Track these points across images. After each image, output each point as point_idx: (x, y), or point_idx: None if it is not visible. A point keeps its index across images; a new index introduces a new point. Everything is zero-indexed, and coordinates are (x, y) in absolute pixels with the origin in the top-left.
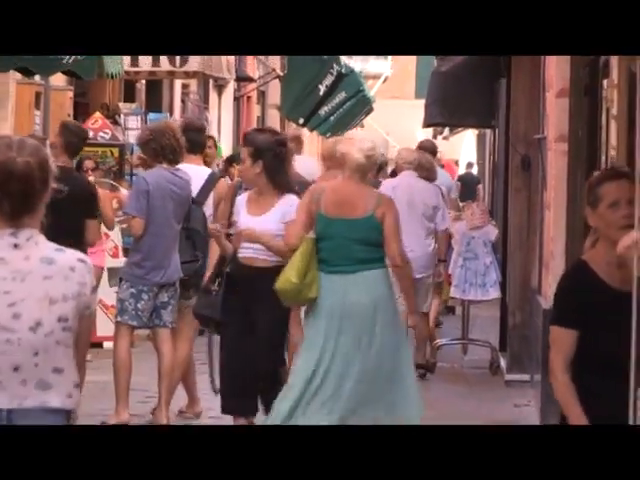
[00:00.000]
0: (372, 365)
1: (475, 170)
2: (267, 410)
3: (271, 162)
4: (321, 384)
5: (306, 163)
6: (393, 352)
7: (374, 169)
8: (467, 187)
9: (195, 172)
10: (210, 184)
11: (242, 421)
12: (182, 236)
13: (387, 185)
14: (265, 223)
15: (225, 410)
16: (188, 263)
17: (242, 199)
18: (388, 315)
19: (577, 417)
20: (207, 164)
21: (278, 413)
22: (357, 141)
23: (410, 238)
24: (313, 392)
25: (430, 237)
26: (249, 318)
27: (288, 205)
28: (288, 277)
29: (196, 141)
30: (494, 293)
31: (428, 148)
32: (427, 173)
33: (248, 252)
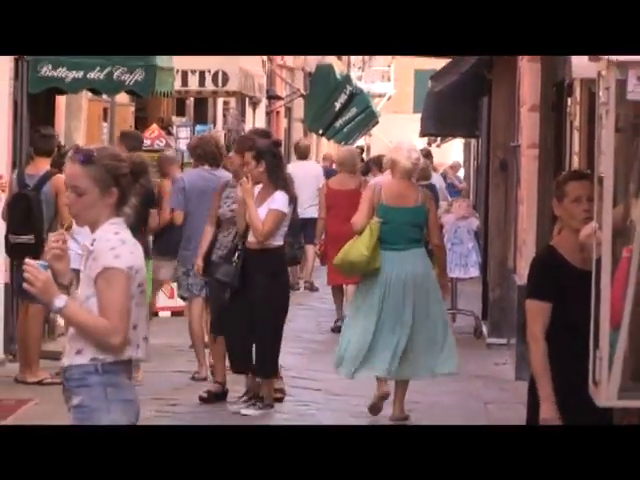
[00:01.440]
0: (418, 324)
1: (462, 172)
2: (260, 370)
3: (271, 161)
4: (377, 336)
5: (311, 168)
6: (437, 314)
7: (417, 171)
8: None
9: None
10: None
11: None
12: None
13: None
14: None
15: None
16: None
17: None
18: (433, 282)
19: (546, 387)
20: None
21: (342, 360)
22: (405, 150)
23: None
24: (370, 337)
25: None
26: (253, 290)
27: (273, 199)
28: (361, 251)
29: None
30: (474, 272)
31: (425, 152)
32: (422, 172)
33: (252, 237)
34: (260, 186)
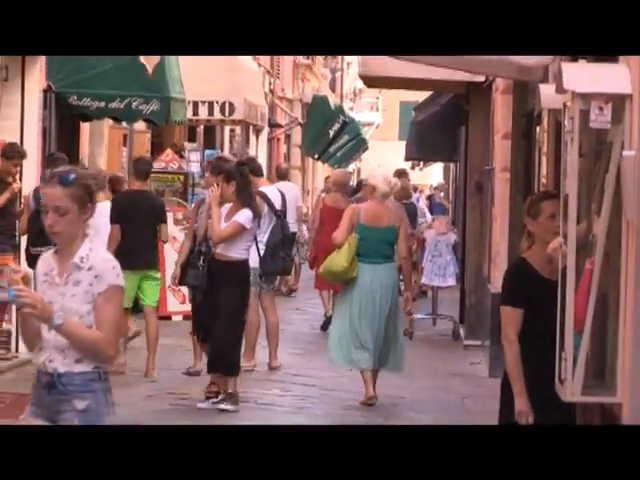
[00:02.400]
0: (384, 322)
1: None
2: (224, 369)
3: (240, 181)
4: (357, 329)
5: (272, 191)
6: (396, 316)
7: (387, 194)
8: (432, 202)
9: (269, 189)
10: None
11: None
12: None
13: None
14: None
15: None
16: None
17: (224, 210)
18: (395, 294)
19: (519, 384)
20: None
21: (332, 344)
22: (382, 177)
23: None
24: (353, 332)
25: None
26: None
27: (238, 214)
28: (340, 262)
29: (257, 169)
30: (451, 282)
31: (402, 172)
32: (403, 192)
33: (219, 249)
34: (230, 204)
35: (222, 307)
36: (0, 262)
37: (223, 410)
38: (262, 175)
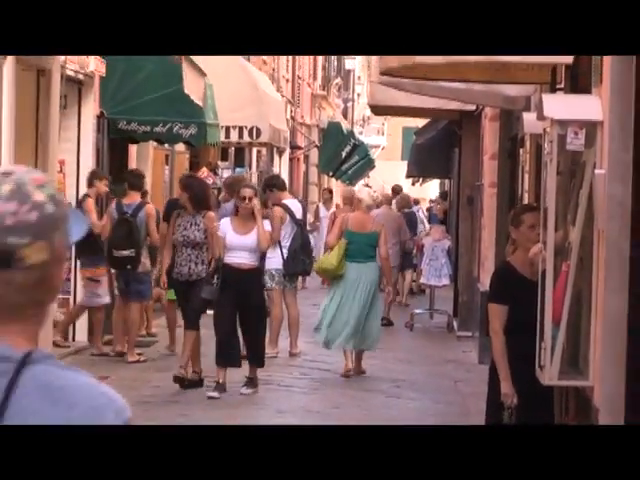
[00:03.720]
0: (364, 310)
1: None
2: (253, 360)
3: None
4: (341, 316)
5: (294, 204)
6: (374, 305)
7: (370, 206)
8: (430, 214)
9: (291, 202)
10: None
11: (224, 371)
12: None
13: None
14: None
15: (218, 363)
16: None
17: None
18: (375, 287)
19: (504, 370)
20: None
21: (321, 330)
22: (367, 192)
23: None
24: (338, 320)
25: (397, 242)
26: (237, 302)
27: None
28: (331, 262)
29: (281, 184)
30: (446, 281)
31: (399, 189)
32: (404, 202)
33: (234, 259)
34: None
35: (255, 310)
36: (98, 273)
37: (243, 394)
38: (286, 189)
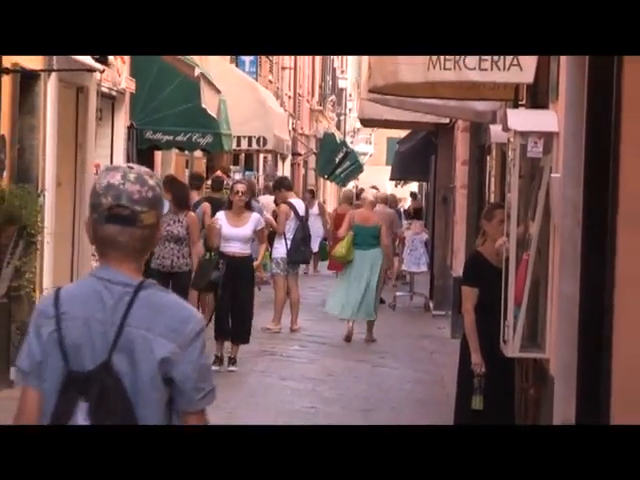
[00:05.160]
0: (367, 287)
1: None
2: (239, 339)
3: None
4: (352, 292)
5: (298, 202)
6: (376, 284)
7: (375, 204)
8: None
9: (296, 201)
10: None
11: (221, 345)
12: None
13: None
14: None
15: (217, 338)
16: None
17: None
18: (377, 269)
19: (475, 343)
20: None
21: (332, 305)
22: (370, 192)
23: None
24: (345, 294)
25: (390, 234)
26: (234, 287)
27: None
28: (342, 250)
29: (288, 185)
30: (424, 268)
31: (391, 196)
32: (394, 203)
33: (229, 248)
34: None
35: (246, 291)
36: None
37: (231, 370)
38: (292, 190)
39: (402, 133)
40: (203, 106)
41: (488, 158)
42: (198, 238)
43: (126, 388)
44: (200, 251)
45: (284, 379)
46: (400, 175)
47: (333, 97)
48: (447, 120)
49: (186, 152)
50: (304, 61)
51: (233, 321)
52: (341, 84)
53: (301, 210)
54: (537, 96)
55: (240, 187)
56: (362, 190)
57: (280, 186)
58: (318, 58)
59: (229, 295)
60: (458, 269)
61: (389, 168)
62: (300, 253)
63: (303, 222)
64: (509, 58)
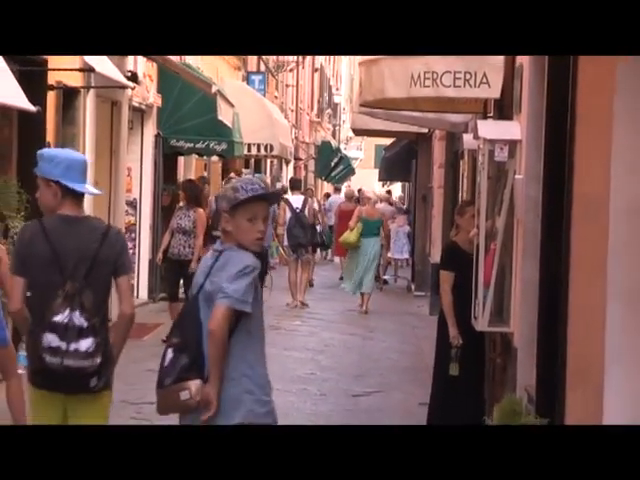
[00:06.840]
0: (368, 267)
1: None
2: None
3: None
4: (359, 272)
5: (297, 198)
6: (376, 264)
7: (376, 201)
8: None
9: (294, 198)
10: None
11: None
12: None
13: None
14: None
15: None
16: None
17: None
18: (377, 252)
19: (452, 319)
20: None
21: (349, 286)
22: (372, 192)
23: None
24: (355, 274)
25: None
26: None
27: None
28: (352, 238)
29: (296, 185)
30: (406, 255)
31: (382, 196)
32: (387, 200)
33: None
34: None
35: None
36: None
37: None
38: (300, 189)
39: (388, 141)
40: (219, 118)
41: (461, 162)
42: (201, 232)
43: None
44: (201, 243)
45: (287, 349)
46: (386, 177)
47: (329, 110)
48: (426, 130)
49: (204, 157)
50: (305, 79)
51: None
52: (336, 99)
53: (295, 204)
54: (503, 109)
55: None
56: (360, 190)
57: (292, 186)
58: (317, 77)
59: None
60: (436, 256)
61: (377, 171)
62: (294, 238)
63: (297, 214)
64: (479, 77)
